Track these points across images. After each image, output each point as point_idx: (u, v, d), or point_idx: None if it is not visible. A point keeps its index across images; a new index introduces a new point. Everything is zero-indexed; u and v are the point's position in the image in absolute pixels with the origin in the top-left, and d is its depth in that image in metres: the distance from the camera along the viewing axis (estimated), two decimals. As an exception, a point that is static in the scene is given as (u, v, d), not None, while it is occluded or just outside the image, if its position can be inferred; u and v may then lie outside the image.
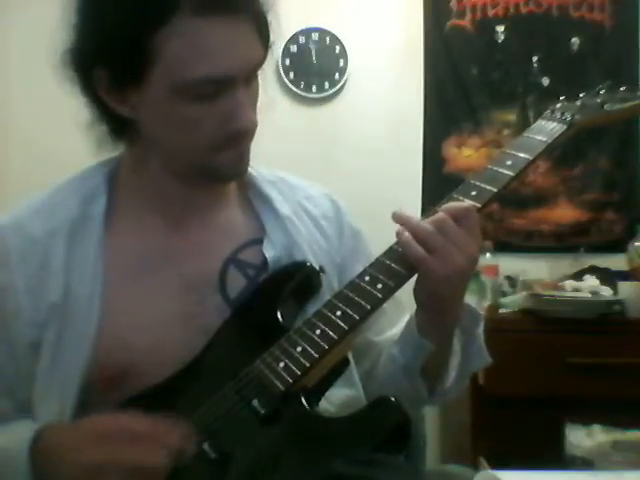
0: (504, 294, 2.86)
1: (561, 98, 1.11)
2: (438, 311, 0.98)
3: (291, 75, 3.15)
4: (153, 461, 0.83)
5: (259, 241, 1.09)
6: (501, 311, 2.73)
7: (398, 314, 1.14)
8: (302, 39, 3.16)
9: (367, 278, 0.94)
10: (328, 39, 3.16)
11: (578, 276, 2.82)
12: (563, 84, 3.12)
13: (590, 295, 2.65)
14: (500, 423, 2.51)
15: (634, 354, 2.51)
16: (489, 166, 1.01)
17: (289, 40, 3.13)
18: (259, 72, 1.03)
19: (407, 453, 1.20)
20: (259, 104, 1.05)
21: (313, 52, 3.16)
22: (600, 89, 1.10)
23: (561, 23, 3.15)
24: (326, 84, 3.16)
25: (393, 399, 0.86)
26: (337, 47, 3.16)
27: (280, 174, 1.19)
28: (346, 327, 0.90)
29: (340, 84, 3.15)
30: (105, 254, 1.04)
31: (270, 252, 1.07)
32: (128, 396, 0.95)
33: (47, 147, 2.96)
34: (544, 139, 1.03)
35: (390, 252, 0.96)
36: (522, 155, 1.01)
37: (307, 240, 1.11)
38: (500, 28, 3.15)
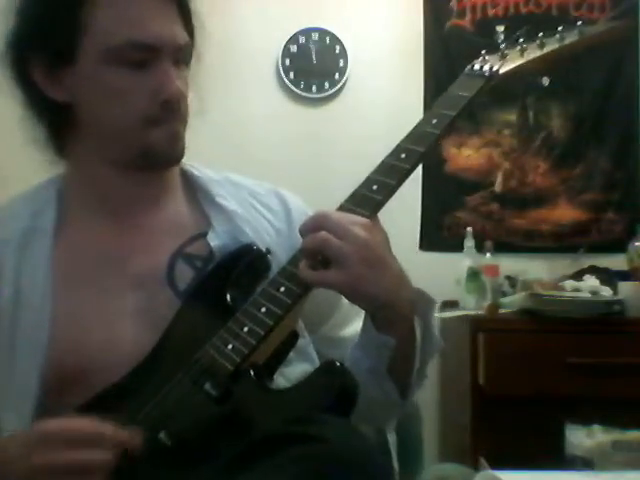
0: (504, 294, 2.86)
1: (482, 52, 1.13)
2: (380, 307, 0.96)
3: (291, 75, 3.15)
4: (95, 458, 0.84)
5: (205, 234, 1.10)
6: (501, 311, 2.73)
7: (356, 310, 1.11)
8: (302, 39, 3.15)
9: None
10: (328, 39, 3.16)
11: (578, 276, 2.82)
12: (563, 84, 3.12)
13: (590, 295, 2.65)
14: (500, 423, 2.51)
15: (634, 354, 2.51)
16: (416, 127, 1.05)
17: (289, 40, 3.13)
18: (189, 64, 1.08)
19: (403, 453, 1.20)
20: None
21: (313, 52, 3.16)
22: (518, 37, 1.12)
23: (561, 23, 3.14)
24: (326, 84, 3.16)
25: (338, 364, 0.89)
26: (337, 47, 3.16)
27: (225, 173, 1.20)
28: (289, 301, 0.93)
29: (340, 84, 3.15)
30: (55, 263, 1.06)
31: (215, 241, 1.08)
32: (86, 398, 0.96)
33: None
34: (465, 94, 1.06)
35: None
36: (445, 112, 1.04)
37: (253, 228, 1.12)
38: (500, 28, 3.15)
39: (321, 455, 0.75)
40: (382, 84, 3.16)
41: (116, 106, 1.04)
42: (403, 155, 1.01)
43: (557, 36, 1.10)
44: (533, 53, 1.09)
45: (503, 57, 1.09)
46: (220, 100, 2.77)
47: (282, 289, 0.94)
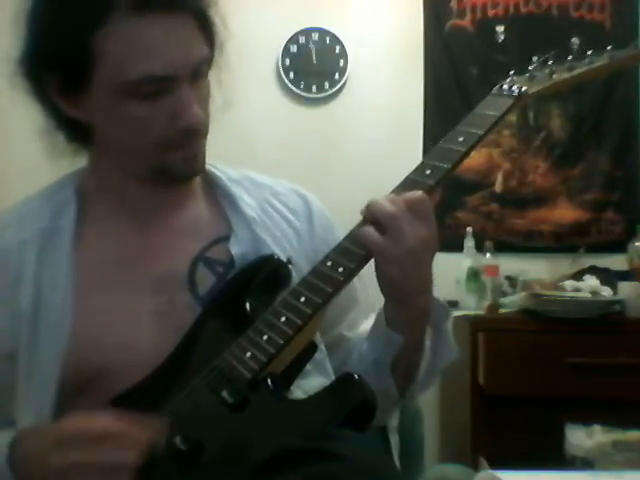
0: (504, 294, 2.87)
1: (510, 72, 1.13)
2: (400, 299, 0.98)
3: (291, 75, 3.16)
4: (119, 459, 0.83)
5: (227, 238, 1.10)
6: (501, 311, 2.73)
7: (370, 309, 1.14)
8: (302, 39, 3.16)
9: (329, 263, 0.96)
10: (328, 39, 3.16)
11: (578, 276, 2.82)
12: (563, 84, 3.12)
13: (590, 295, 2.66)
14: (500, 423, 2.52)
15: (634, 354, 2.52)
16: (441, 144, 1.04)
17: (289, 40, 3.14)
18: (207, 71, 1.04)
19: (404, 454, 1.21)
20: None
21: (313, 52, 3.16)
22: (547, 59, 1.12)
23: (561, 23, 3.15)
24: (326, 84, 3.16)
25: (356, 376, 0.88)
26: (337, 47, 3.16)
27: (246, 172, 1.20)
28: (309, 311, 0.93)
29: (340, 84, 3.15)
30: (76, 262, 1.05)
31: (236, 249, 1.08)
32: (104, 400, 0.95)
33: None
34: (493, 113, 1.05)
35: (351, 235, 0.98)
36: (473, 130, 1.03)
37: (274, 235, 1.12)
38: (500, 28, 3.15)
39: (339, 474, 0.74)
40: (382, 84, 3.16)
41: (133, 133, 1.02)
42: (428, 171, 1.00)
43: (586, 59, 1.10)
44: (562, 75, 1.10)
45: (532, 78, 1.09)
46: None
47: (302, 299, 0.94)
